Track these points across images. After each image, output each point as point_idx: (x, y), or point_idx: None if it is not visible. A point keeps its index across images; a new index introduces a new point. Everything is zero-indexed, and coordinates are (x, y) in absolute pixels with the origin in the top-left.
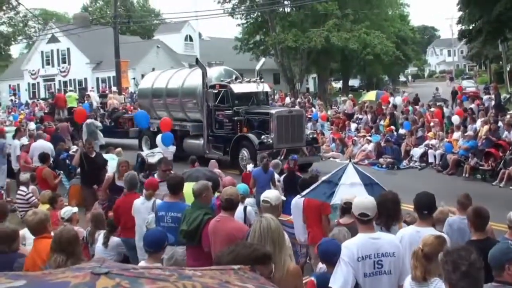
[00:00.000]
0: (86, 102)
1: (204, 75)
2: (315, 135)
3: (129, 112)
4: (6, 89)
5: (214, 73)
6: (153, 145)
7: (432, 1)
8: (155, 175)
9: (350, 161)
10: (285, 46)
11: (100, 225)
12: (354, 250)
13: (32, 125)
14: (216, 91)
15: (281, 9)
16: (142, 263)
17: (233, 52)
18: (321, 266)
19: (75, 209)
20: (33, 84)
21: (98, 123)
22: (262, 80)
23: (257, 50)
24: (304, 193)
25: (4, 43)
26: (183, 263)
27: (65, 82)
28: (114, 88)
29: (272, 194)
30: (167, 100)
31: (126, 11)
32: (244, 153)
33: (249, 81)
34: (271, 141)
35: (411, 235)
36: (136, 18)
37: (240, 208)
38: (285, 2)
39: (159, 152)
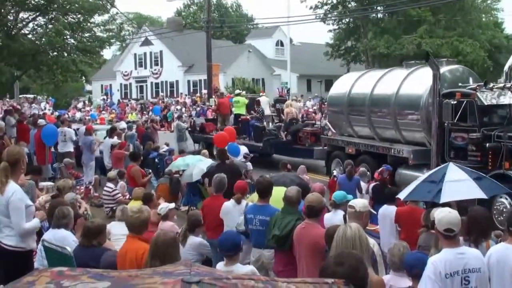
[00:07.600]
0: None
1: (436, 78)
2: None
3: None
4: (98, 89)
5: (447, 75)
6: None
7: None
8: None
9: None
10: (377, 52)
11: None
12: (441, 266)
13: (122, 125)
14: (454, 102)
15: (373, 15)
16: (220, 265)
17: (323, 58)
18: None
19: (172, 205)
20: (125, 85)
21: (183, 125)
22: None
23: (348, 56)
24: (404, 195)
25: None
26: (269, 266)
27: (156, 84)
28: (204, 91)
29: (358, 201)
30: (371, 112)
31: (220, 16)
32: (505, 202)
33: (502, 88)
34: None
35: (499, 252)
36: (228, 23)
37: (340, 216)
38: (378, 8)
39: None
